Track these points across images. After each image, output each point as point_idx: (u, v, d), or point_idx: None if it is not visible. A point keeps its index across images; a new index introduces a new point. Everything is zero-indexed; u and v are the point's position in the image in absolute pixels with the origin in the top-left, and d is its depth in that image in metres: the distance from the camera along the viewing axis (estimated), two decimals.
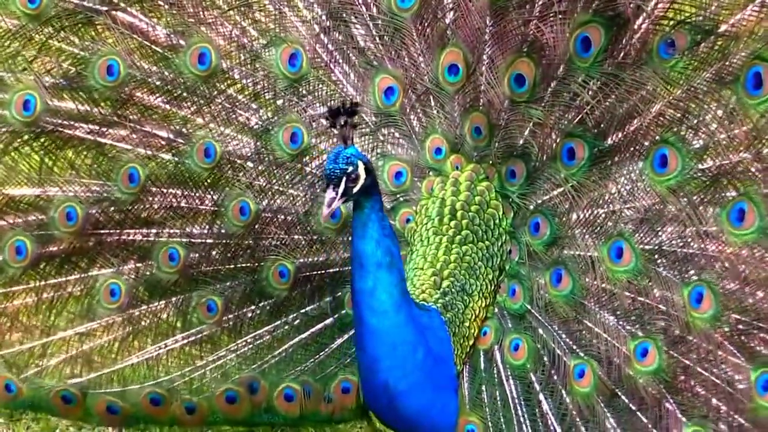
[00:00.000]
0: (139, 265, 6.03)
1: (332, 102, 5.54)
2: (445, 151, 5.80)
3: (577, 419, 5.47)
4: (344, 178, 4.92)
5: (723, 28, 5.11)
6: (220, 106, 5.86)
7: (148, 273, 6.02)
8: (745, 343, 5.13)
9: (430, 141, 5.81)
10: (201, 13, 5.79)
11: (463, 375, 5.62)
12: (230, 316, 6.10)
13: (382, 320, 5.11)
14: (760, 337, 5.12)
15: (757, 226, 5.02)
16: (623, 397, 5.38)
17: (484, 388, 5.64)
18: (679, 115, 5.19)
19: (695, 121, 5.17)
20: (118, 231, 5.99)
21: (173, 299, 6.09)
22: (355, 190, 4.97)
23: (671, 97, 5.22)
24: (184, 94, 5.83)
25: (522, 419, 5.58)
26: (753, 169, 5.07)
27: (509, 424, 5.57)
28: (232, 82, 5.90)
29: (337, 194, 4.92)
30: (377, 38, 5.73)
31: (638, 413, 5.33)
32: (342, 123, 4.97)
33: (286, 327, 6.03)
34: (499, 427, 5.57)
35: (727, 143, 5.10)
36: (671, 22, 5.19)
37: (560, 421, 5.50)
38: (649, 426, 5.29)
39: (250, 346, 6.12)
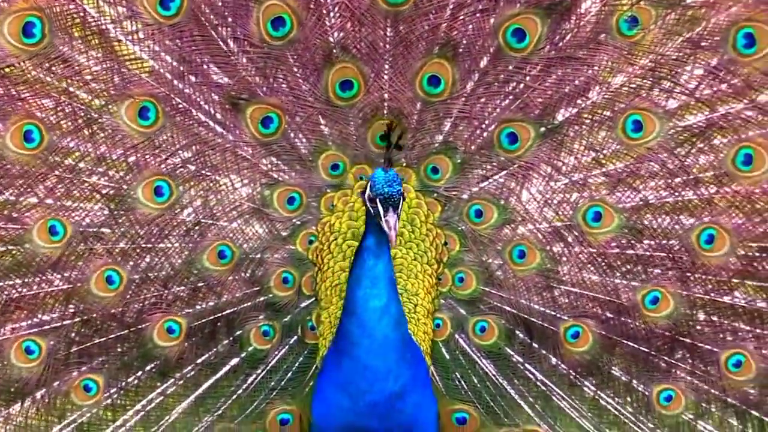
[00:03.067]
0: None
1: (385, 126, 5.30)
2: (343, 166, 5.58)
3: (577, 376, 5.65)
4: (400, 199, 4.89)
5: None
6: (55, 180, 5.39)
7: None
8: (758, 269, 5.49)
9: (324, 158, 5.56)
10: (12, 90, 5.28)
11: (430, 370, 5.58)
12: (111, 391, 5.67)
13: (397, 332, 5.08)
14: None
15: None
16: (629, 343, 5.57)
17: (458, 374, 5.70)
18: (648, 82, 5.33)
19: (668, 85, 5.32)
20: None
21: (37, 395, 5.61)
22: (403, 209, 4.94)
23: (636, 68, 5.33)
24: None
25: (511, 391, 5.69)
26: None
27: (497, 400, 5.68)
28: (67, 152, 5.40)
29: (398, 215, 4.90)
30: (243, 71, 5.37)
31: (651, 354, 5.60)
32: (390, 145, 4.94)
33: (182, 382, 5.70)
34: (490, 406, 5.68)
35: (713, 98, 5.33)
36: (629, 1, 5.27)
37: (556, 383, 5.67)
38: (663, 364, 5.61)
39: (140, 414, 5.71)
